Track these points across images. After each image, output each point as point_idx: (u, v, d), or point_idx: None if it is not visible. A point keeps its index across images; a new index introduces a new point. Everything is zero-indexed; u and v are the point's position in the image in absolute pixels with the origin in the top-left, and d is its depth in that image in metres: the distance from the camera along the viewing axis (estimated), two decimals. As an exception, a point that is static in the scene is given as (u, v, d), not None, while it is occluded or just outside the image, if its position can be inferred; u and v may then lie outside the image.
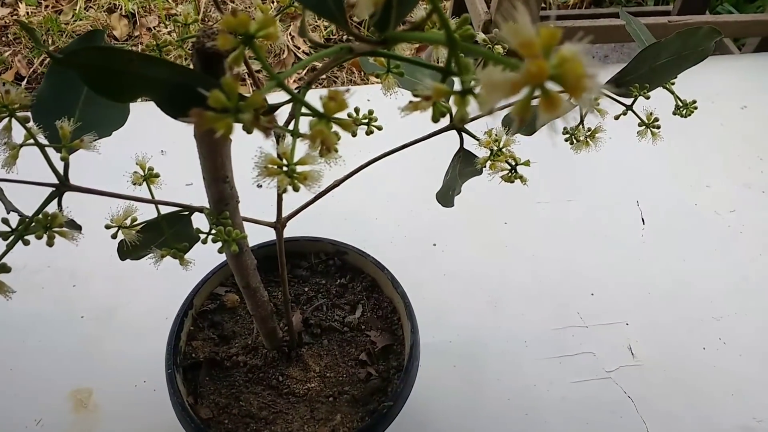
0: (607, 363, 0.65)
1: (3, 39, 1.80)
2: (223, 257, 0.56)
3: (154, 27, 1.78)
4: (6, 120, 0.29)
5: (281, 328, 0.51)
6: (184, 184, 0.77)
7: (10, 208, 0.35)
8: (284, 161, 0.28)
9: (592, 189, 0.82)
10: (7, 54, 1.72)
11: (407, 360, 0.49)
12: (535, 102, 0.45)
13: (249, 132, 0.19)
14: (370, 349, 0.52)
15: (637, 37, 0.49)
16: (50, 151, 0.33)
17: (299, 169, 0.28)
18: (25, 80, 1.70)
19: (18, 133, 0.33)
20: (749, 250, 0.76)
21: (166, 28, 1.79)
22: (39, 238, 0.30)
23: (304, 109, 0.23)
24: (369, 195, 0.81)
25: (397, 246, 0.76)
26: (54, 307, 0.69)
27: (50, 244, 0.31)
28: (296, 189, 0.29)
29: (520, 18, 0.12)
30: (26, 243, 0.32)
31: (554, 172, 0.82)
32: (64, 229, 0.31)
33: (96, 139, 0.32)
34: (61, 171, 0.33)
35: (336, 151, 0.21)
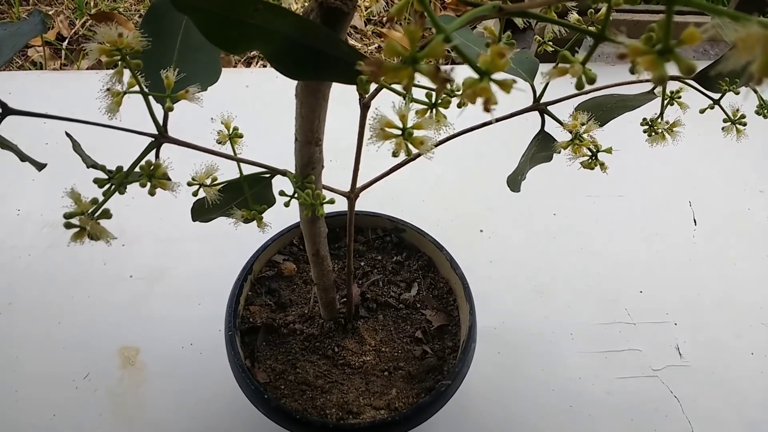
0: (654, 361, 0.64)
1: (46, -1, 1.81)
2: (281, 225, 0.57)
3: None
4: (119, 65, 0.29)
5: (339, 299, 0.51)
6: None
7: (89, 163, 0.35)
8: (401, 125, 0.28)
9: (644, 186, 0.80)
10: (49, 13, 1.73)
11: (466, 340, 0.49)
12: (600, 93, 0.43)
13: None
14: (426, 327, 0.52)
15: (724, 33, 0.47)
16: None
17: (415, 133, 0.28)
18: (66, 41, 1.71)
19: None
20: (802, 258, 0.74)
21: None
22: (143, 186, 0.30)
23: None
24: (417, 176, 0.80)
25: (444, 229, 0.76)
26: (103, 265, 0.70)
27: (152, 193, 0.31)
28: (408, 154, 0.28)
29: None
30: (122, 192, 0.32)
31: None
32: (166, 180, 0.31)
33: (199, 91, 0.32)
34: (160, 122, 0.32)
35: (490, 111, 0.20)
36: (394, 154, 0.28)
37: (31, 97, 0.93)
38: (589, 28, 0.33)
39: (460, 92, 0.40)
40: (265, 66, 1.34)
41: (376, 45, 1.36)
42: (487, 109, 0.20)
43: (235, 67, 1.33)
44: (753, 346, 0.66)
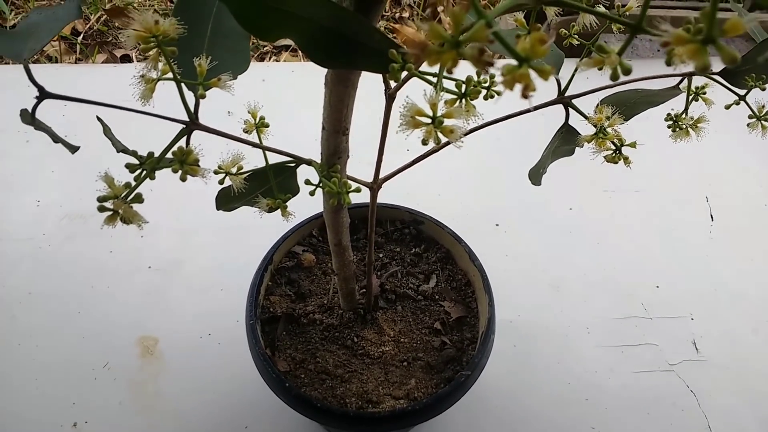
0: (671, 356, 0.64)
1: (60, -6, 1.82)
2: (301, 217, 0.57)
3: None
4: (154, 51, 0.29)
5: (358, 290, 0.52)
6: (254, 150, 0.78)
7: (119, 148, 0.35)
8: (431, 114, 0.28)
9: (661, 181, 0.80)
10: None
11: (485, 332, 0.49)
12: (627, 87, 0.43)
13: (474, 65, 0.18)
14: (444, 318, 0.52)
15: (750, 29, 0.47)
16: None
17: (445, 122, 0.28)
18: (81, 35, 1.72)
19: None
20: (819, 255, 0.74)
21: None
22: (175, 171, 0.31)
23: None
24: (433, 170, 0.80)
25: (459, 223, 0.75)
26: (122, 256, 0.71)
27: (183, 179, 0.31)
28: (438, 142, 0.29)
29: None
30: (153, 177, 0.33)
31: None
32: (197, 166, 0.31)
33: (231, 79, 0.32)
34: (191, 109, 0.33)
35: (528, 97, 0.21)
36: (424, 142, 0.28)
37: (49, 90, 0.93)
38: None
39: (487, 84, 0.41)
40: (278, 60, 1.35)
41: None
42: (525, 96, 0.20)
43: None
44: (770, 342, 0.66)
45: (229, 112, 0.85)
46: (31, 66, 1.16)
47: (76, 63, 1.43)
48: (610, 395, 0.61)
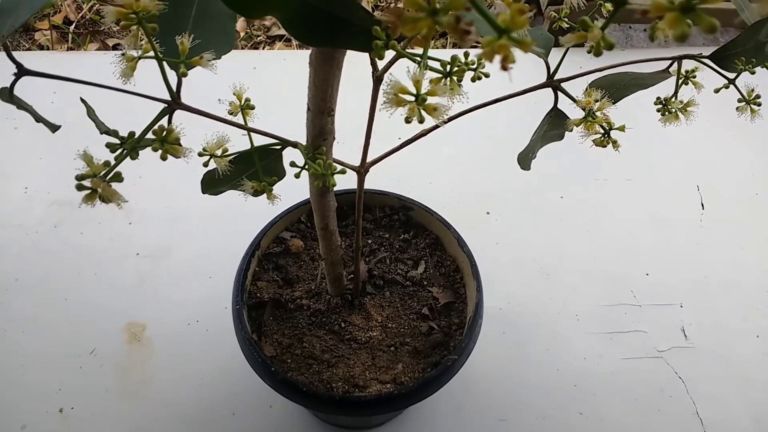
0: (660, 343, 0.64)
1: (51, -19, 1.79)
2: (289, 203, 0.57)
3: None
4: (134, 28, 0.29)
5: (346, 275, 0.51)
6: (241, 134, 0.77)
7: (103, 129, 0.35)
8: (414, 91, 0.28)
9: (652, 170, 0.80)
10: (55, -4, 1.71)
11: (472, 316, 0.49)
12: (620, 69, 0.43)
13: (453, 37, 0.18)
14: (432, 304, 0.52)
15: (741, 11, 0.47)
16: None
17: (429, 100, 0.28)
18: (74, 25, 1.71)
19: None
20: (809, 244, 0.74)
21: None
22: (155, 150, 0.30)
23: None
24: (425, 158, 0.80)
25: (450, 211, 0.75)
26: (110, 243, 0.70)
27: (164, 158, 0.31)
28: (421, 121, 0.28)
29: None
30: (134, 157, 0.32)
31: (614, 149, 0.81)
32: (178, 145, 0.31)
33: (214, 59, 0.31)
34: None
35: (507, 69, 0.20)
36: (407, 121, 0.28)
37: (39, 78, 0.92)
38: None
39: (474, 66, 0.40)
40: (272, 49, 1.34)
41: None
42: (504, 68, 0.19)
43: (242, 49, 1.32)
44: (759, 329, 0.66)
45: (219, 99, 0.84)
46: (21, 53, 1.15)
47: (68, 51, 1.41)
48: (599, 381, 0.61)
